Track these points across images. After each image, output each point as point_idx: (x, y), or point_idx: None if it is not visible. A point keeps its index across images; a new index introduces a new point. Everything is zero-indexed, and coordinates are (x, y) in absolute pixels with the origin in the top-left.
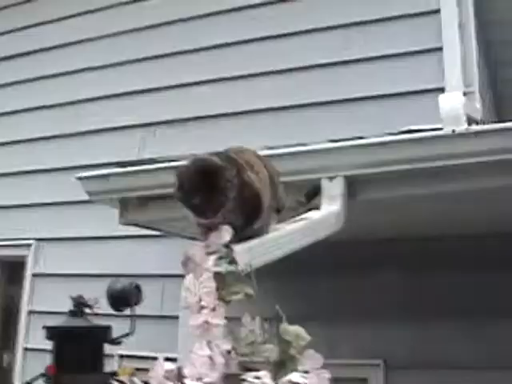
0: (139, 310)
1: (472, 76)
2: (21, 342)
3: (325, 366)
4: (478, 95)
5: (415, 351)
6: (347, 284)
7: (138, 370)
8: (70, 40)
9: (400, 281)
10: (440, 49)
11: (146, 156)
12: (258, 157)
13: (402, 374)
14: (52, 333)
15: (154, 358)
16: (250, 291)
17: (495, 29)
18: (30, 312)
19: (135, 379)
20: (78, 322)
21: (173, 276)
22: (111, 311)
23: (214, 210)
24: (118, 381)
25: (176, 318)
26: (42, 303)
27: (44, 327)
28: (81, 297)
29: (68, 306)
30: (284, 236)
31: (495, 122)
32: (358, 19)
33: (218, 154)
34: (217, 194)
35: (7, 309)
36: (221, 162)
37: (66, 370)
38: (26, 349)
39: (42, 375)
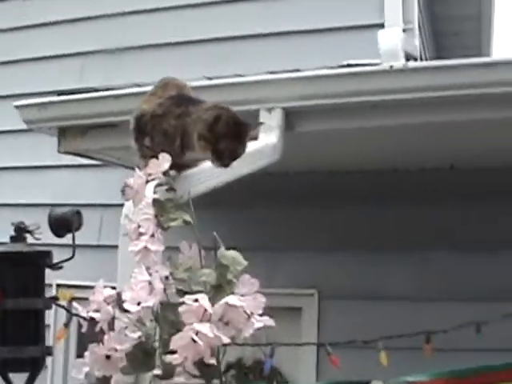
0: (78, 239)
1: (411, 13)
2: None
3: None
4: (416, 32)
5: (349, 282)
6: (284, 214)
7: (76, 298)
8: None
9: (336, 211)
10: None
11: (84, 85)
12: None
13: (336, 303)
14: None
15: (93, 287)
16: (188, 218)
17: None
18: None
19: (75, 304)
20: (19, 248)
21: (111, 205)
22: (51, 240)
23: (231, 159)
24: (58, 305)
25: (114, 247)
26: None
27: None
28: (22, 223)
29: (8, 235)
30: None
31: (433, 59)
32: None
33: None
34: (240, 145)
35: None
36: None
37: (8, 295)
38: None
39: None
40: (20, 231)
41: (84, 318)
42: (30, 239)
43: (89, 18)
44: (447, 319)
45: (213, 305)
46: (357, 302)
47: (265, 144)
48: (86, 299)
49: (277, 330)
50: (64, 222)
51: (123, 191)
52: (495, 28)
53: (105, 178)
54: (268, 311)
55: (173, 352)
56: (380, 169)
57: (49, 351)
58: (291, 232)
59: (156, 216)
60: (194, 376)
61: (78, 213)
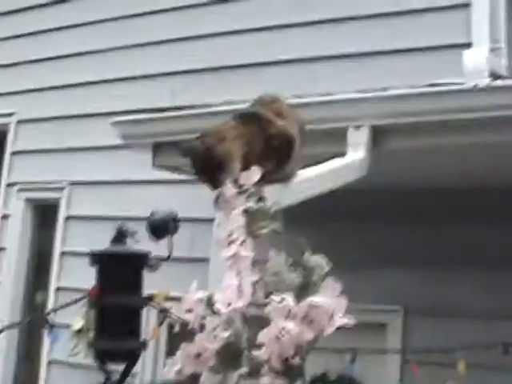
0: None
1: (499, 32)
2: (53, 281)
3: (345, 309)
4: (504, 51)
5: (434, 299)
6: (370, 231)
7: (171, 298)
8: None
9: (422, 230)
10: (468, 4)
11: (179, 103)
12: (289, 107)
13: (420, 320)
14: (96, 257)
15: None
16: (277, 227)
17: None
18: (63, 253)
19: (166, 305)
20: (119, 248)
21: (203, 220)
22: (147, 248)
23: (215, 186)
24: (152, 306)
25: (205, 260)
26: (75, 245)
27: (89, 253)
28: (123, 225)
29: (98, 247)
30: (310, 180)
31: None
32: None
33: (243, 113)
34: (213, 173)
35: (40, 251)
36: (211, 142)
37: (108, 291)
38: (59, 288)
39: (85, 297)
40: (121, 234)
41: (177, 318)
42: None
43: (181, 39)
44: None
45: (298, 303)
46: (442, 320)
47: (352, 160)
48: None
49: (362, 344)
50: (162, 225)
51: (216, 201)
52: None
53: (197, 193)
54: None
55: (259, 348)
56: (466, 186)
57: (144, 345)
58: (375, 249)
59: (246, 224)
60: (279, 374)
61: (175, 218)
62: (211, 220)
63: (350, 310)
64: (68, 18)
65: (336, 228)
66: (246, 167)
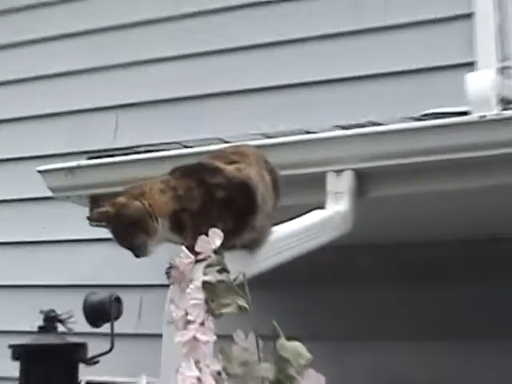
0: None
1: (509, 48)
2: None
3: None
4: None
5: (427, 372)
6: (358, 296)
7: None
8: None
9: (415, 290)
10: (470, 15)
11: (119, 143)
12: (263, 159)
13: None
14: (19, 352)
15: None
16: (244, 303)
17: None
18: None
19: None
20: (48, 339)
21: (152, 286)
22: (87, 328)
23: (138, 254)
24: None
25: (155, 335)
26: (1, 321)
27: (10, 346)
28: (52, 311)
29: (32, 323)
30: (282, 240)
31: None
32: None
33: (179, 166)
34: (129, 238)
35: None
36: (137, 206)
37: None
38: None
39: None
40: (50, 320)
41: None
42: (61, 328)
43: (120, 66)
44: None
45: None
46: None
47: (333, 213)
48: None
49: None
50: (101, 311)
51: (168, 273)
52: None
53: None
54: None
55: None
56: (468, 238)
57: None
58: (366, 317)
59: (206, 301)
60: None
61: (118, 299)
62: (161, 286)
63: None
64: None
65: (316, 294)
66: (179, 227)
